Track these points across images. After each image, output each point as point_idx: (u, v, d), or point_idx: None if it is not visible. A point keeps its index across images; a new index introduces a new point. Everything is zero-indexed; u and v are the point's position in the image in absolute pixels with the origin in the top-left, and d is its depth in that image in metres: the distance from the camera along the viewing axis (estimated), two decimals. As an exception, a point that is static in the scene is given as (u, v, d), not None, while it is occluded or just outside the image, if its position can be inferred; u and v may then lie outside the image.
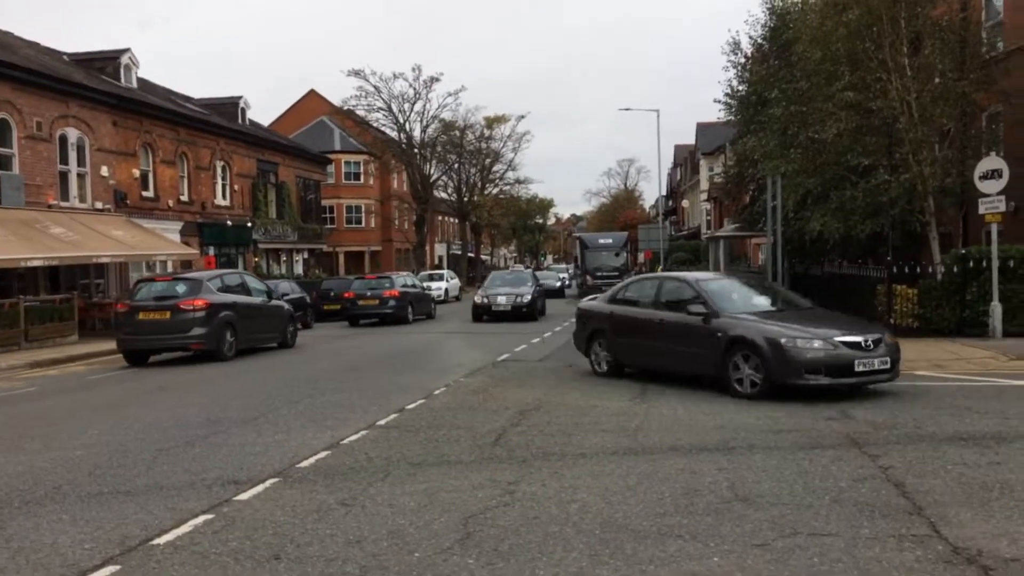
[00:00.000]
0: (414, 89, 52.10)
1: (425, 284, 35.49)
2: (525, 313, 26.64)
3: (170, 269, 28.52)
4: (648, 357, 12.34)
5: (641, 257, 51.90)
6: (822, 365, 9.94)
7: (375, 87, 51.46)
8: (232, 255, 35.68)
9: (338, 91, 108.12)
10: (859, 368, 9.98)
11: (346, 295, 28.69)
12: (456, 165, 61.35)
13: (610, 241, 47.11)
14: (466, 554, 4.99)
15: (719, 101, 27.86)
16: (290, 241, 42.07)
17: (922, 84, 17.64)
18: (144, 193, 30.05)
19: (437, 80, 52.60)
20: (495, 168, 65.21)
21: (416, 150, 54.74)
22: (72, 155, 26.23)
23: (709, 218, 58.12)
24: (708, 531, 5.28)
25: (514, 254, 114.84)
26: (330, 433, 8.86)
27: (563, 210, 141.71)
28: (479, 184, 64.95)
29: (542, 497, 6.19)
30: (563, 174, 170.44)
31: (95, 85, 27.76)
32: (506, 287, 28.21)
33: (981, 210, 15.98)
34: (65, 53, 31.40)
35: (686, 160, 72.68)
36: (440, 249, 75.10)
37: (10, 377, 16.02)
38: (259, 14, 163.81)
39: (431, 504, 6.07)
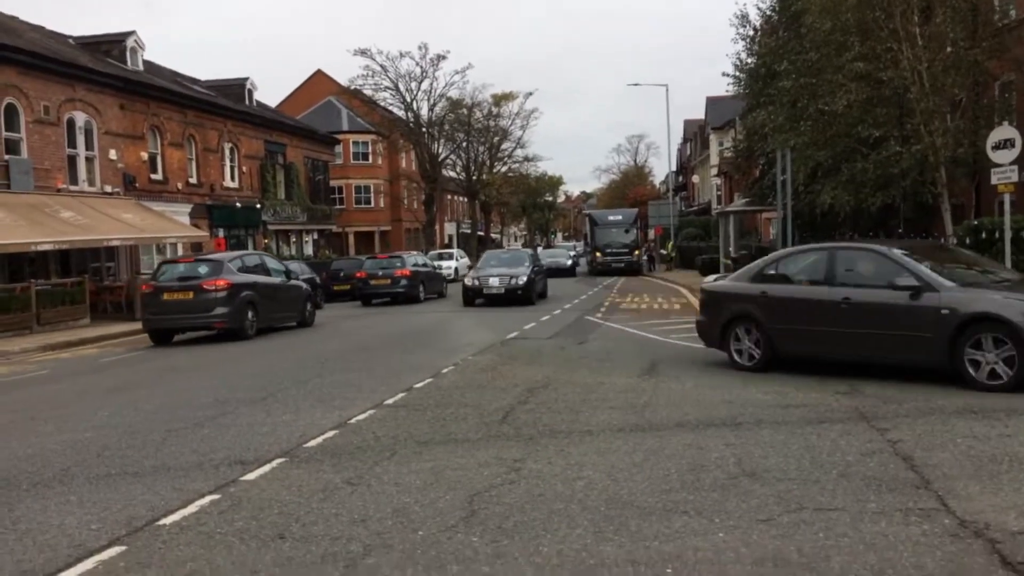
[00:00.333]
0: (421, 68, 51.76)
1: (436, 263, 35.51)
2: (520, 296, 24.06)
3: (180, 251, 28.62)
4: (826, 346, 10.05)
5: (651, 233, 51.72)
6: None
7: (382, 66, 51.14)
8: (241, 237, 35.74)
9: (345, 71, 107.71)
10: None
11: (358, 275, 28.77)
12: (464, 143, 61.05)
13: (620, 218, 46.90)
14: (470, 532, 4.99)
15: (728, 75, 27.70)
16: (299, 222, 42.09)
17: (933, 53, 17.41)
18: (153, 176, 30.08)
19: (444, 58, 52.20)
20: (503, 146, 64.87)
21: (424, 129, 54.48)
22: (80, 139, 26.25)
23: (719, 193, 57.78)
24: (713, 507, 5.26)
25: (524, 232, 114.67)
26: (338, 413, 8.87)
27: (573, 187, 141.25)
28: (488, 162, 64.66)
29: (548, 474, 6.18)
30: (572, 151, 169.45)
31: (101, 68, 27.73)
32: (501, 267, 25.45)
33: (993, 180, 15.78)
34: (71, 36, 31.32)
35: (696, 135, 72.19)
36: (450, 228, 75.04)
37: (23, 360, 16.14)
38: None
39: (437, 482, 6.07)
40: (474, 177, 63.12)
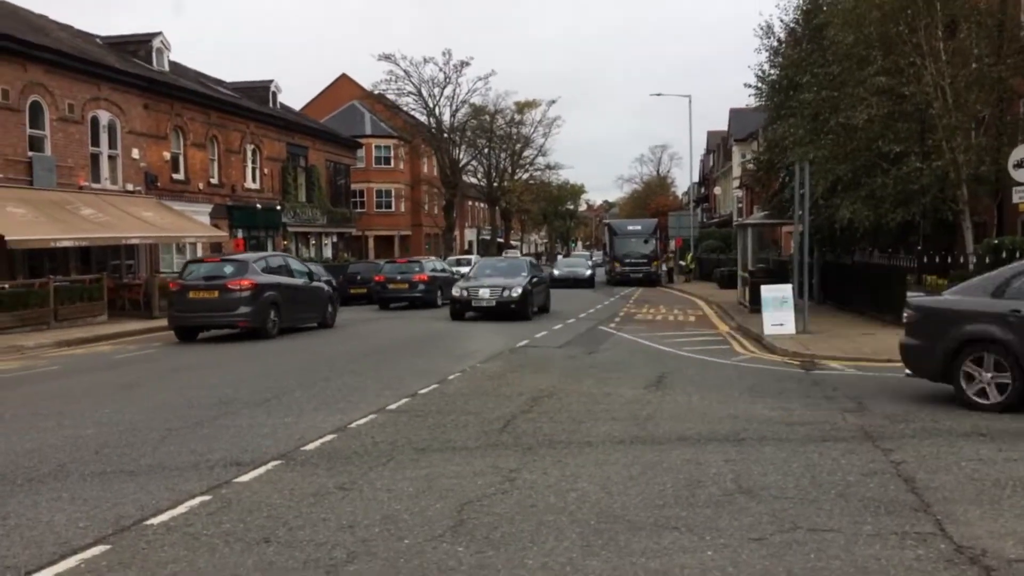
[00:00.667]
0: (444, 73, 51.95)
1: (454, 269, 35.51)
2: (514, 310, 21.42)
3: (200, 251, 28.80)
4: None
5: (672, 245, 51.50)
6: None
7: (405, 71, 51.41)
8: (261, 238, 35.92)
9: (369, 75, 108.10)
10: None
11: (376, 279, 28.83)
12: (486, 150, 61.19)
13: (639, 228, 46.76)
14: (456, 542, 4.93)
15: (750, 86, 27.40)
16: (319, 225, 42.26)
17: (957, 69, 17.20)
18: (174, 176, 30.31)
19: (467, 64, 52.30)
20: (525, 153, 65.00)
21: (446, 134, 54.64)
22: (103, 137, 26.50)
23: (741, 205, 57.41)
24: (705, 524, 5.17)
25: (544, 240, 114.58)
26: (339, 416, 8.84)
27: (594, 196, 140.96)
28: (509, 169, 64.74)
29: (542, 485, 6.11)
30: (594, 160, 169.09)
31: (127, 68, 27.99)
32: (495, 277, 23.00)
33: (1015, 199, 15.57)
34: (98, 36, 31.67)
35: (719, 146, 71.86)
36: (470, 234, 75.09)
37: (36, 356, 16.26)
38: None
39: (429, 490, 6.02)
40: (495, 183, 63.20)
